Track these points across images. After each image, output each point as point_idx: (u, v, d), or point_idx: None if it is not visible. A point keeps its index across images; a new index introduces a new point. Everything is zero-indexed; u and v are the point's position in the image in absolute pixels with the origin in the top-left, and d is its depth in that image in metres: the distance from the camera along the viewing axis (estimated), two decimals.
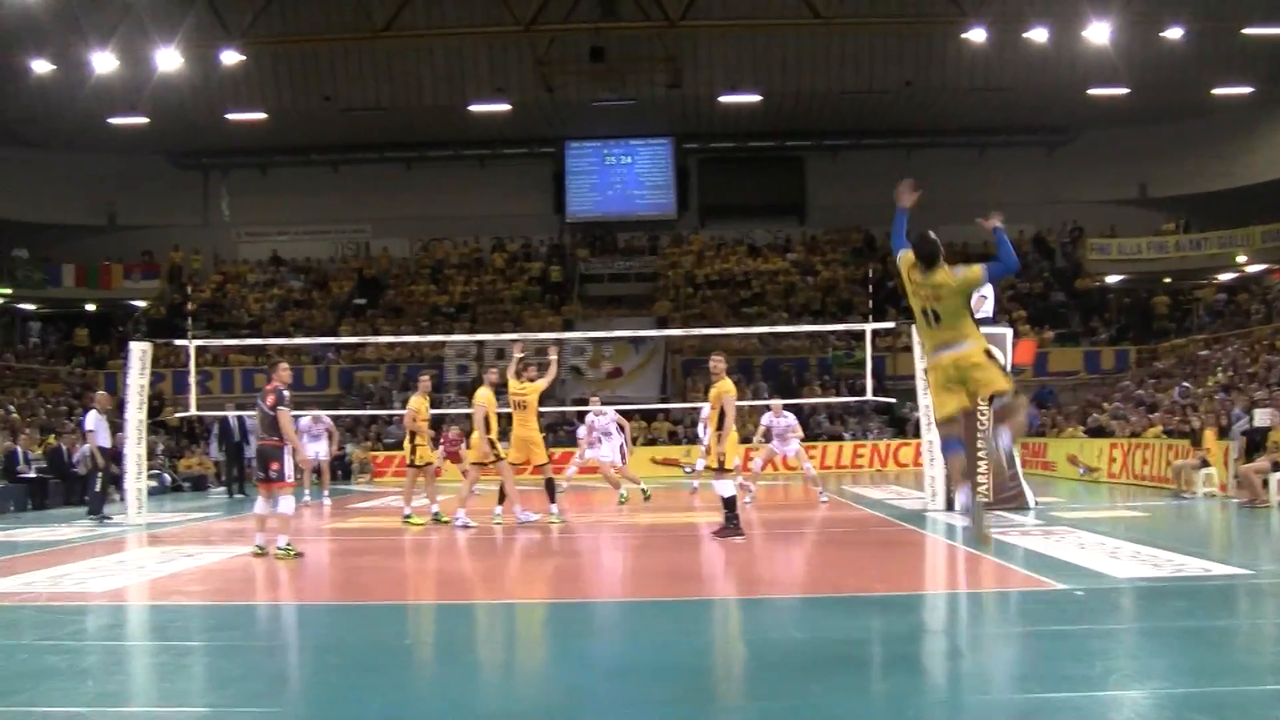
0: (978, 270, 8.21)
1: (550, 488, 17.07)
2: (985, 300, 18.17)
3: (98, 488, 19.69)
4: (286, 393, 13.08)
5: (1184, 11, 30.79)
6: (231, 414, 25.30)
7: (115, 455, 20.11)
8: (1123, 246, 41.50)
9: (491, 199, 44.06)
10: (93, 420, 20.02)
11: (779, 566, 12.15)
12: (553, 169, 44.43)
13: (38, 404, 31.91)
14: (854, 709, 6.27)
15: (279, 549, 12.63)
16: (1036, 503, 17.13)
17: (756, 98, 37.30)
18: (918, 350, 17.54)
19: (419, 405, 17.19)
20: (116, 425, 20.35)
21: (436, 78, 36.78)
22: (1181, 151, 40.34)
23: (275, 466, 12.78)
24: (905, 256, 8.37)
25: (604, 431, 20.24)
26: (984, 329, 17.23)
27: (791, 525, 17.45)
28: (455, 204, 43.91)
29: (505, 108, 37.74)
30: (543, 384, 16.75)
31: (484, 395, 16.11)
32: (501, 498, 16.34)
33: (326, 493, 22.53)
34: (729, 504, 13.88)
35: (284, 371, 13.45)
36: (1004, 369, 8.97)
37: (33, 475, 22.64)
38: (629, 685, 7.04)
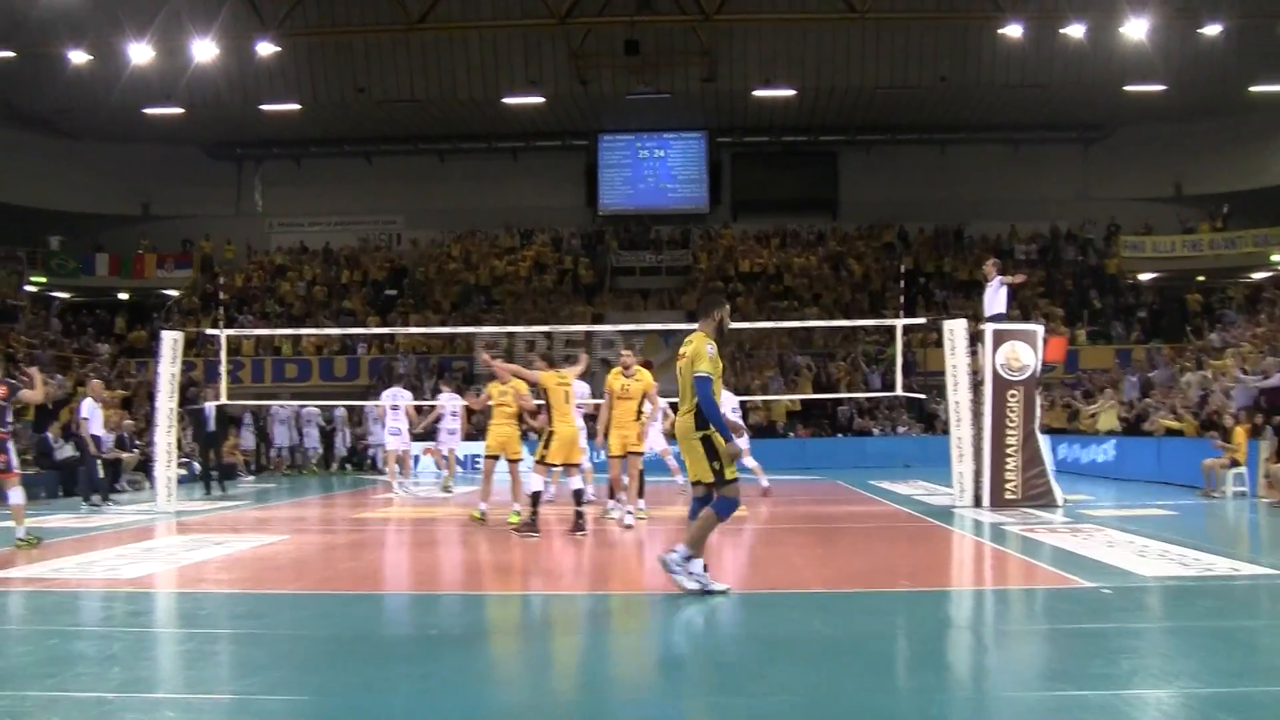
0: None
1: None
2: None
3: (100, 474, 20.49)
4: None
5: (1223, 7, 30.64)
6: (210, 405, 23.27)
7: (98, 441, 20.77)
8: (1157, 244, 41.25)
9: (524, 191, 44.32)
10: (87, 409, 20.56)
11: (804, 560, 12.13)
12: (586, 162, 44.56)
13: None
14: (879, 704, 6.27)
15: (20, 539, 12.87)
16: (1065, 500, 17.06)
17: (790, 92, 37.33)
18: (947, 346, 17.53)
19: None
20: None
21: (471, 70, 36.86)
22: (1218, 149, 40.03)
23: (2, 457, 13.00)
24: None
25: None
26: (1013, 326, 17.40)
27: (816, 520, 17.37)
28: (488, 196, 44.13)
29: (539, 100, 37.88)
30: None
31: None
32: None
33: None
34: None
35: None
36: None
37: (64, 459, 22.59)
38: (652, 676, 7.08)
